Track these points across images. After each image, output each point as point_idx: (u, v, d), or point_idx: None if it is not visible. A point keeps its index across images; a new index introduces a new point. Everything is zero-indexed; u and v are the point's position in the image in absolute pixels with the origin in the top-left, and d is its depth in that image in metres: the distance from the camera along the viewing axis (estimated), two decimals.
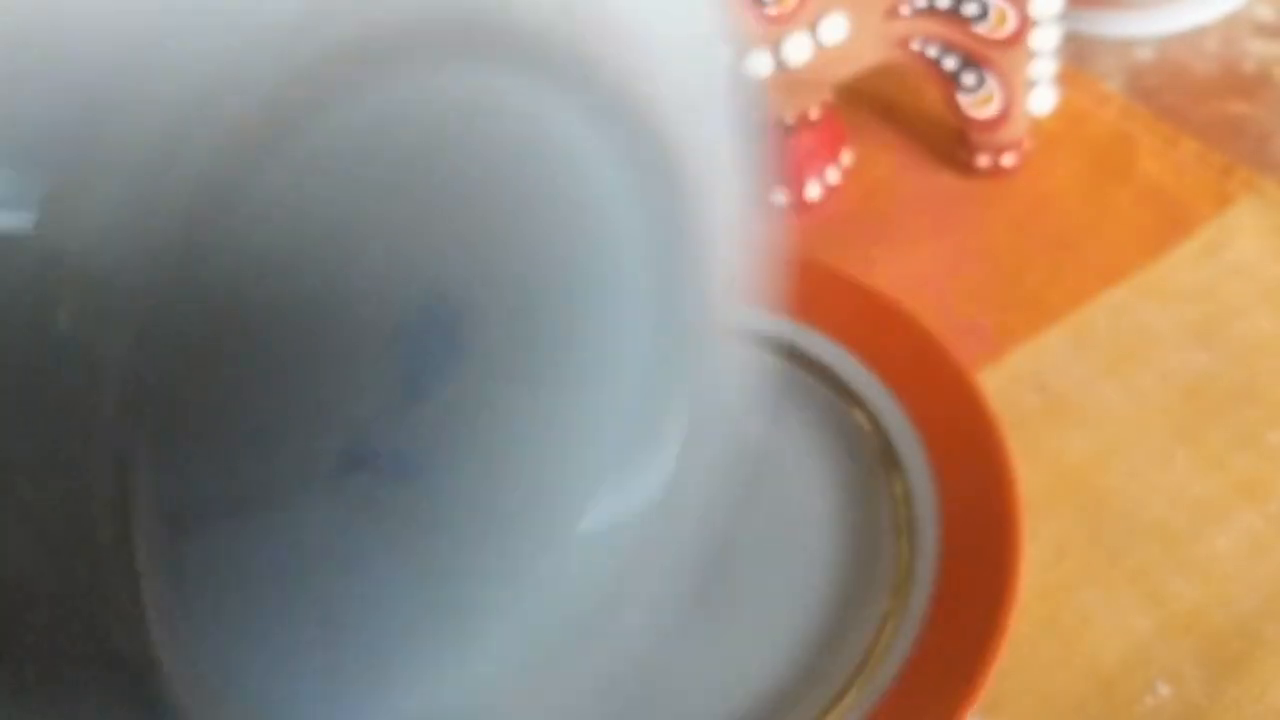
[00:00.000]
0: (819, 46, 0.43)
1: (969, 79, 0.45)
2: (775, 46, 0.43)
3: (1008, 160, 0.47)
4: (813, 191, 0.49)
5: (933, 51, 0.45)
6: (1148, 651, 0.36)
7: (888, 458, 0.38)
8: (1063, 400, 0.42)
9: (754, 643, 0.36)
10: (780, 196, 0.49)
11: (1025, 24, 0.43)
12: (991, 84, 0.45)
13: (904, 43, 0.45)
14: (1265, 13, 0.54)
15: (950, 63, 0.45)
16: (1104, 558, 0.38)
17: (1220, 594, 0.37)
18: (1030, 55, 0.44)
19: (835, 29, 0.43)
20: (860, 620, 0.35)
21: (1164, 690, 0.35)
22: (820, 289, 0.42)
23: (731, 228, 0.31)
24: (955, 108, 0.46)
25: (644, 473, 0.31)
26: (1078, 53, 0.53)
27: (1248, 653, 0.35)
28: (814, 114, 0.47)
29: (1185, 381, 0.41)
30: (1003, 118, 0.46)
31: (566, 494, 0.30)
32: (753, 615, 0.36)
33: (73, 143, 0.19)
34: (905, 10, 0.44)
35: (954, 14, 0.44)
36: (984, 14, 0.43)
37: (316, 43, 0.21)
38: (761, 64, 0.43)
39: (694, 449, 0.31)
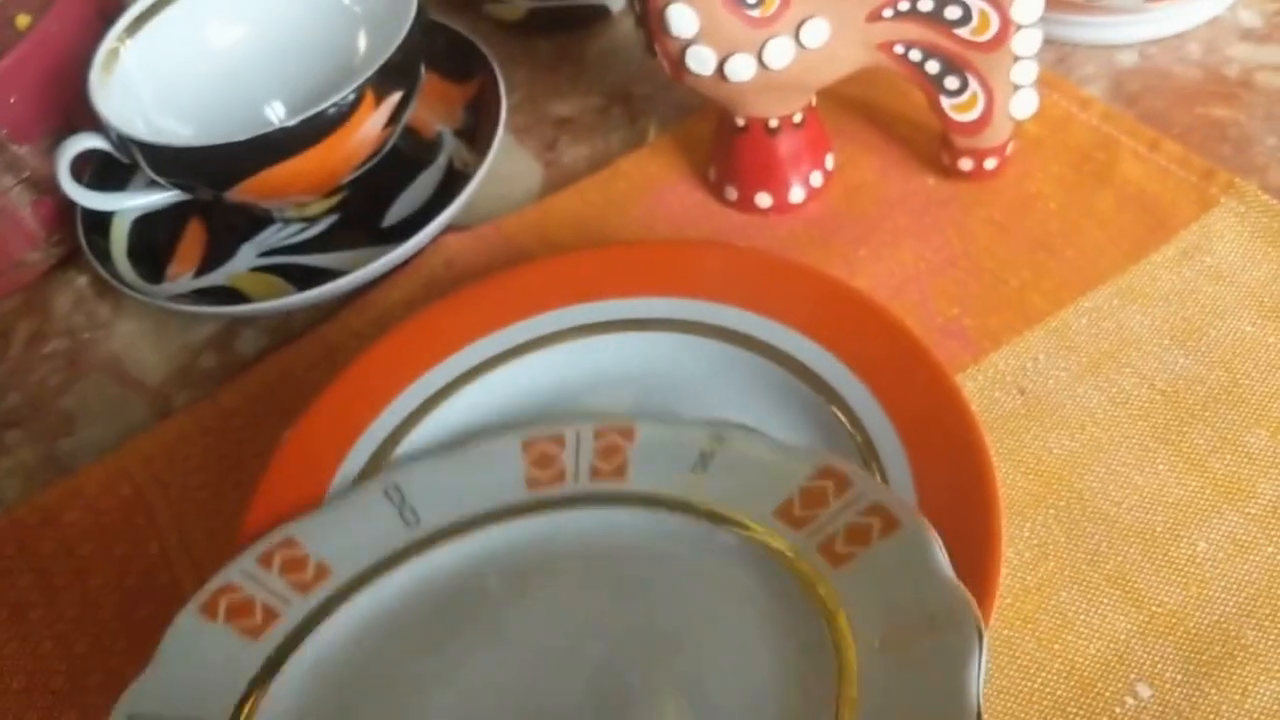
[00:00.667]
0: (801, 50, 0.43)
1: (952, 83, 0.45)
2: (758, 50, 0.43)
3: (990, 164, 0.47)
4: (796, 194, 0.49)
5: (916, 56, 0.45)
6: (1128, 653, 0.36)
7: (867, 457, 0.38)
8: (1043, 402, 0.42)
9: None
10: (765, 198, 0.49)
11: (1008, 27, 0.43)
12: (974, 88, 0.45)
13: (887, 47, 0.45)
14: (1249, 17, 0.54)
15: (933, 67, 0.45)
16: (1084, 559, 0.38)
17: (1200, 596, 0.37)
18: (1013, 59, 0.44)
19: (817, 32, 0.43)
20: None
21: (1144, 692, 0.35)
22: (803, 290, 0.43)
23: None
24: (939, 111, 0.46)
25: None
26: (1061, 57, 0.54)
27: (1228, 655, 0.35)
28: (798, 117, 0.47)
29: (1166, 384, 0.41)
30: (985, 121, 0.46)
31: None
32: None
33: None
34: (888, 13, 0.44)
35: (936, 17, 0.44)
36: (966, 17, 0.43)
37: None
38: (745, 67, 0.43)
39: None
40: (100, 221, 0.53)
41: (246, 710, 0.35)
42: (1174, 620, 0.36)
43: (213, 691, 0.35)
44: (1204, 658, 0.35)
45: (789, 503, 0.36)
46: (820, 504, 0.36)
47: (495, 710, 0.35)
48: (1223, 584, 0.37)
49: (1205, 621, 0.36)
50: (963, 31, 0.44)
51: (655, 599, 0.36)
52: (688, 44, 0.43)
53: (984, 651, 0.31)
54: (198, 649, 0.36)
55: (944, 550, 0.34)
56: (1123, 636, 0.36)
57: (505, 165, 0.54)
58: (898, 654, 0.32)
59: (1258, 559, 0.37)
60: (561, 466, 0.39)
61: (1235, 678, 0.35)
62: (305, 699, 0.35)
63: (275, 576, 0.38)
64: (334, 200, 0.52)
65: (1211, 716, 0.34)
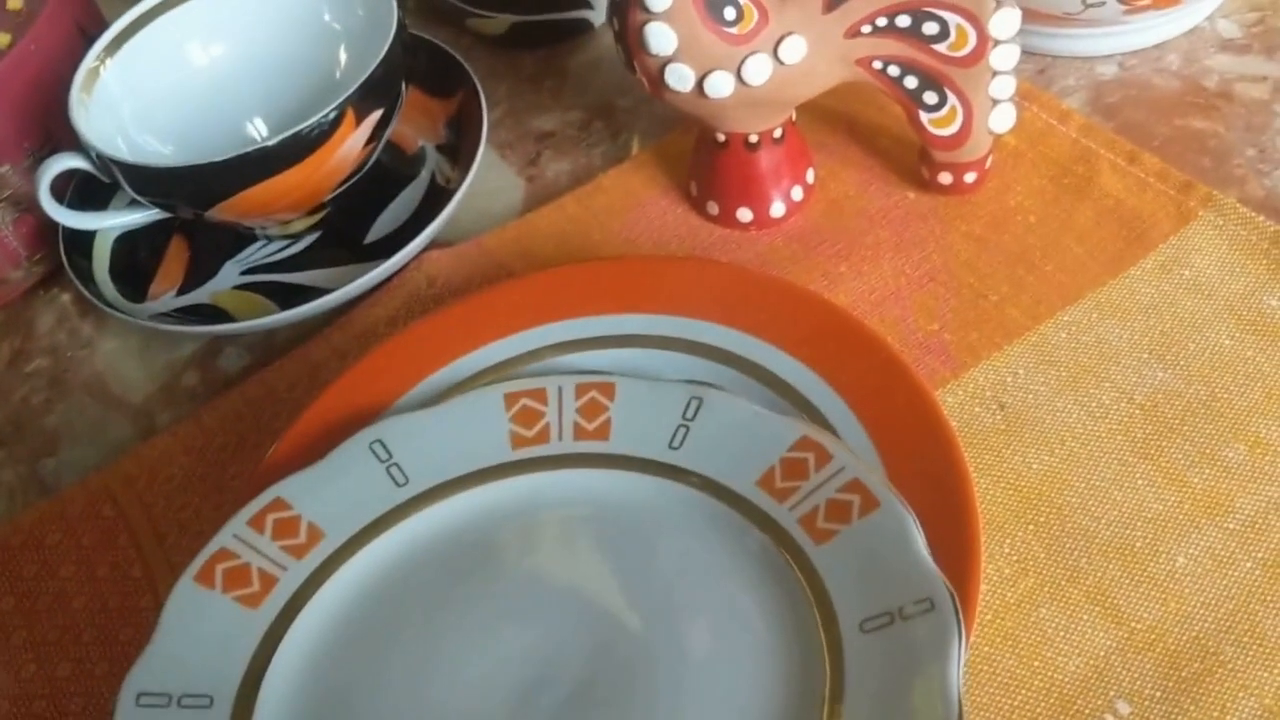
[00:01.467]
0: (780, 66, 0.44)
1: (930, 98, 0.45)
2: (737, 67, 0.43)
3: (970, 177, 0.48)
4: (777, 208, 0.49)
5: (894, 71, 0.45)
6: (1107, 670, 0.36)
7: None
8: (1023, 417, 0.42)
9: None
10: (746, 213, 0.49)
11: (985, 43, 0.43)
12: (953, 102, 0.45)
13: (865, 62, 0.45)
14: (1227, 28, 0.54)
15: (911, 82, 0.45)
16: (1063, 575, 0.38)
17: (1179, 612, 0.37)
18: (991, 74, 0.44)
19: (795, 49, 0.43)
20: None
21: (1124, 709, 0.35)
22: (783, 306, 0.43)
23: None
24: (917, 126, 0.46)
25: None
26: (1041, 69, 0.54)
27: (1207, 672, 0.35)
28: (778, 132, 0.48)
29: (1145, 398, 0.41)
30: (964, 136, 0.46)
31: None
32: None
33: None
34: (866, 29, 0.44)
35: (914, 33, 0.44)
36: (944, 33, 0.43)
37: None
38: (724, 84, 0.43)
39: None
40: (82, 240, 0.53)
41: (255, 683, 0.35)
42: (1153, 637, 0.36)
43: (218, 664, 0.35)
44: (1183, 674, 0.36)
45: (771, 472, 0.37)
46: (801, 475, 0.36)
47: (499, 670, 0.35)
48: (1202, 600, 0.37)
49: (1184, 638, 0.36)
50: (940, 47, 0.44)
51: (647, 560, 0.37)
52: (667, 61, 0.43)
53: (963, 639, 0.31)
54: (198, 620, 0.36)
55: (921, 531, 0.34)
56: (1102, 653, 0.36)
57: (487, 180, 0.55)
58: (878, 637, 0.32)
59: (1237, 574, 0.37)
60: (545, 424, 0.40)
61: (1214, 695, 0.35)
62: (311, 667, 0.36)
63: (268, 541, 0.38)
64: (316, 217, 0.52)
65: None
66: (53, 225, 0.52)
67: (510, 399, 0.40)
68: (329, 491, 0.39)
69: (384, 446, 0.40)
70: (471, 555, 0.38)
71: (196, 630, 0.36)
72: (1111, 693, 0.35)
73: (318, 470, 0.39)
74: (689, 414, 0.39)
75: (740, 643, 0.34)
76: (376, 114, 0.48)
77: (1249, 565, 0.37)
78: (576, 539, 0.38)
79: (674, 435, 0.39)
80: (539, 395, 0.40)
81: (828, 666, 0.33)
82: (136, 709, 0.34)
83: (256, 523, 0.38)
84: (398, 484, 0.39)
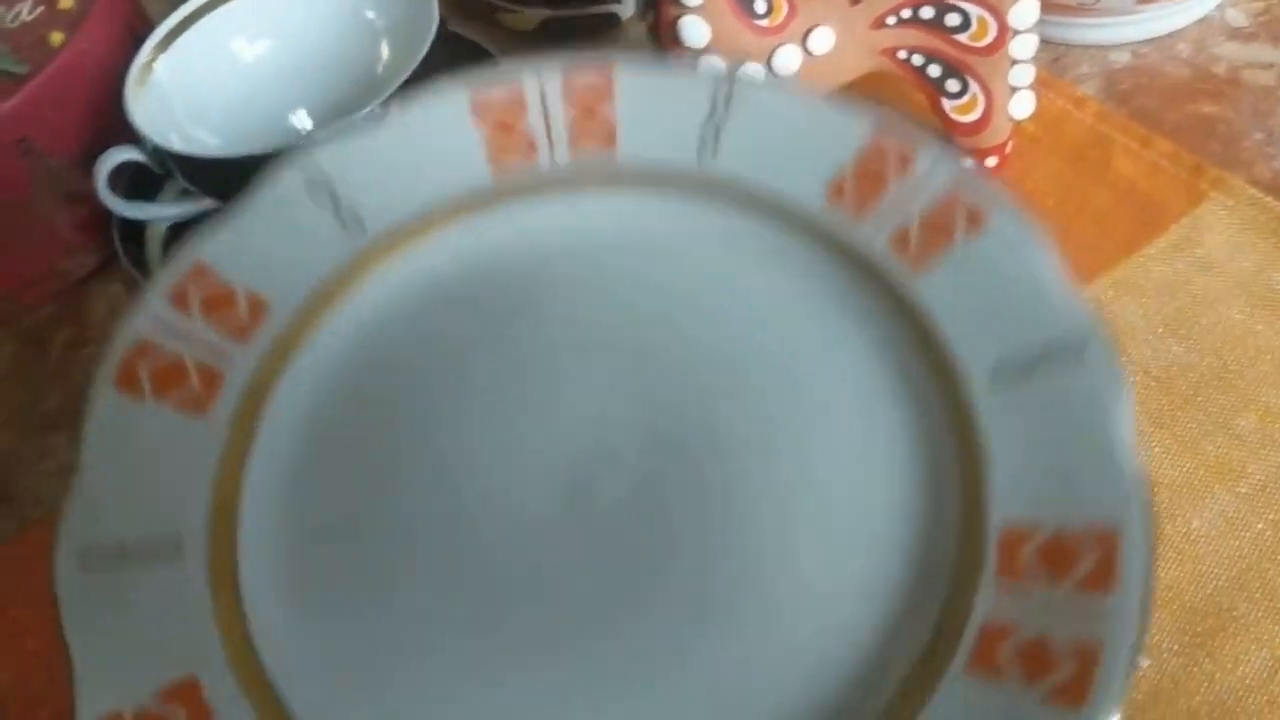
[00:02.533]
0: (809, 57, 0.45)
1: (953, 86, 0.47)
2: (768, 58, 0.45)
3: (990, 162, 0.49)
4: None
5: (918, 60, 0.47)
6: None
7: None
8: None
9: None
10: None
11: (1005, 33, 0.45)
12: (974, 90, 0.47)
13: (890, 52, 0.47)
14: (1236, 17, 0.56)
15: (934, 71, 0.47)
16: None
17: (1195, 572, 0.39)
18: (1011, 62, 0.46)
19: (823, 40, 0.45)
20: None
21: (1142, 663, 0.37)
22: None
23: None
24: (940, 113, 0.48)
25: None
26: (1056, 57, 0.56)
27: (1221, 628, 0.37)
28: None
29: (1160, 370, 0.43)
30: (985, 122, 0.48)
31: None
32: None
33: None
34: (890, 21, 0.46)
35: (937, 24, 0.46)
36: (966, 24, 0.45)
37: None
38: (755, 75, 0.45)
39: None
40: (135, 230, 0.55)
41: (230, 514, 0.27)
42: (1170, 594, 0.38)
43: (175, 496, 0.27)
44: (1199, 629, 0.38)
45: (839, 182, 0.27)
46: (879, 184, 0.27)
47: (540, 456, 0.27)
48: (1215, 560, 0.39)
49: (1199, 595, 0.38)
50: (962, 37, 0.46)
51: (691, 314, 0.27)
52: (699, 54, 0.45)
53: (1126, 384, 0.24)
54: (131, 438, 0.28)
55: (1056, 253, 0.25)
56: None
57: None
58: (1015, 392, 0.24)
59: (1248, 535, 0.39)
60: (530, 136, 0.30)
61: (1228, 648, 0.37)
62: (295, 485, 0.28)
63: (199, 322, 0.29)
64: None
65: (1205, 685, 0.36)
66: (104, 216, 0.54)
67: (479, 107, 0.30)
68: (263, 247, 0.30)
69: (326, 182, 0.30)
70: (467, 315, 0.28)
71: (134, 455, 0.28)
72: None
73: (243, 220, 0.30)
74: (718, 111, 0.30)
75: (840, 414, 0.26)
76: None
77: (1260, 527, 0.39)
78: (600, 287, 0.28)
79: (703, 142, 0.29)
80: (515, 97, 0.30)
81: (960, 430, 0.25)
82: (82, 575, 0.25)
83: (180, 300, 0.29)
84: (348, 228, 0.29)
